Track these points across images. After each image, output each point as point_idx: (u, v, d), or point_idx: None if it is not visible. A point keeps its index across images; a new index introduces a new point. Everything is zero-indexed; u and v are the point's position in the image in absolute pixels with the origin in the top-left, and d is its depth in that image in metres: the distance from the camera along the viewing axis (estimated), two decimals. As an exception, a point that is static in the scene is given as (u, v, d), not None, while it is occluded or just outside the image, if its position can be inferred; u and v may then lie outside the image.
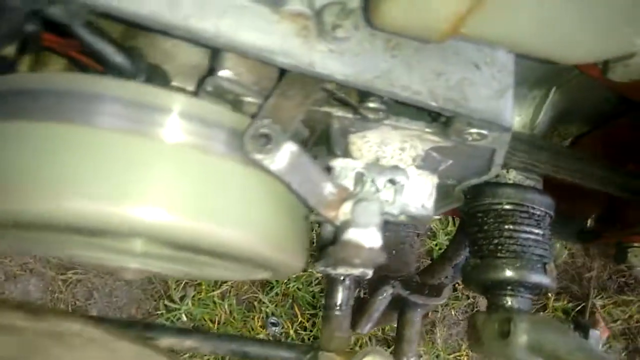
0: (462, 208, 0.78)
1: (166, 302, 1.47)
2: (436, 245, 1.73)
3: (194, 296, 1.48)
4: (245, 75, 0.51)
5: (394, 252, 1.13)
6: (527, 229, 0.70)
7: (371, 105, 0.54)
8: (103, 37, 0.49)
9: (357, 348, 1.44)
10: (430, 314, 1.67)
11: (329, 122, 0.59)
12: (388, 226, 1.18)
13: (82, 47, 0.50)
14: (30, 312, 0.52)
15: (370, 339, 1.52)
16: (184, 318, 1.44)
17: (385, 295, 0.91)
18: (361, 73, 0.49)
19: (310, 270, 1.59)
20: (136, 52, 0.52)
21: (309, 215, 0.55)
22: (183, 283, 1.50)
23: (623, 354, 1.70)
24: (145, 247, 0.52)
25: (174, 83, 0.56)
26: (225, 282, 1.52)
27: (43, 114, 0.46)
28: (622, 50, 0.38)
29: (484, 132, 0.56)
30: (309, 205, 0.52)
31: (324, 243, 0.58)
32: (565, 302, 1.81)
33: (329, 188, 0.53)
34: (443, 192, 0.78)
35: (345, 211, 0.52)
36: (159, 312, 1.49)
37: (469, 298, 1.73)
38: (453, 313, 1.69)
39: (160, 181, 0.46)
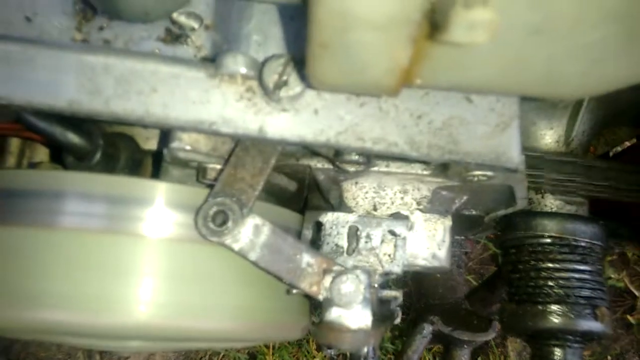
0: (496, 238, 0.68)
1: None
2: (501, 249, 1.59)
3: None
4: (202, 142, 0.46)
5: (439, 276, 1.03)
6: (570, 266, 0.59)
7: (347, 158, 0.47)
8: (50, 121, 0.46)
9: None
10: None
11: (312, 173, 0.53)
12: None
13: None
14: None
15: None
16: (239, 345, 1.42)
17: (424, 334, 0.82)
18: (321, 131, 0.42)
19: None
20: (94, 130, 0.49)
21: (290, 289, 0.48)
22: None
23: None
24: (137, 343, 0.49)
25: (147, 147, 0.53)
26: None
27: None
28: (625, 81, 0.29)
29: (488, 173, 0.47)
30: (285, 281, 0.46)
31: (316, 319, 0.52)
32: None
33: (306, 259, 0.46)
34: (470, 222, 0.69)
35: (326, 286, 0.45)
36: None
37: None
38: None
39: (137, 285, 0.43)
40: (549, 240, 0.60)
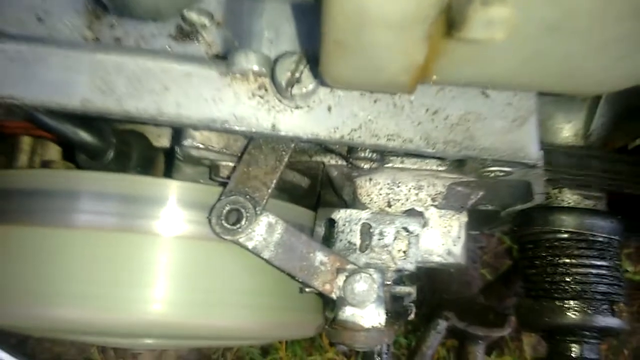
0: (512, 232, 0.68)
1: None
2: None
3: None
4: (214, 140, 0.46)
5: (452, 270, 1.03)
6: (588, 262, 0.58)
7: (361, 155, 0.46)
8: (61, 118, 0.46)
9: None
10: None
11: (326, 170, 0.52)
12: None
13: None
14: None
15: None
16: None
17: (438, 329, 0.82)
18: (335, 128, 0.41)
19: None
20: (103, 126, 0.49)
21: (303, 287, 0.48)
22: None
23: None
24: (150, 340, 0.49)
25: (158, 144, 0.53)
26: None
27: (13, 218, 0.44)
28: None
29: (506, 169, 0.46)
30: (298, 280, 0.46)
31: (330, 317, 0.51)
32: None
33: (319, 257, 0.46)
34: (486, 217, 0.68)
35: (339, 285, 0.45)
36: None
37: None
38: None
39: (151, 284, 0.43)
40: (566, 236, 0.59)
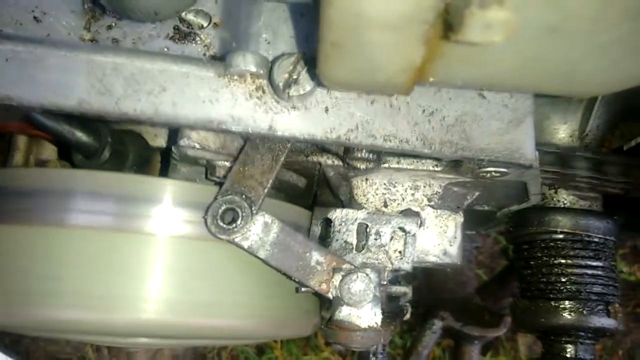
0: (507, 232, 0.68)
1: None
2: (511, 242, 1.58)
3: None
4: (211, 140, 0.46)
5: (448, 270, 1.03)
6: (583, 262, 0.58)
7: (358, 155, 0.46)
8: (55, 117, 0.46)
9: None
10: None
11: (322, 170, 0.53)
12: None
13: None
14: None
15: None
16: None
17: (434, 329, 0.82)
18: (332, 129, 0.41)
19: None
20: (102, 128, 0.49)
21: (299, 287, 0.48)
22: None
23: None
24: (146, 340, 0.49)
25: (155, 144, 0.53)
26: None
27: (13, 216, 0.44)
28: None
29: (502, 170, 0.46)
30: (295, 279, 0.46)
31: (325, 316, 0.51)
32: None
33: (315, 257, 0.46)
34: (482, 217, 0.68)
35: (336, 285, 0.45)
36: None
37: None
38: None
39: (147, 283, 0.43)
40: (561, 236, 0.59)
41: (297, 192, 0.56)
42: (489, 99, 0.43)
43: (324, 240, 0.53)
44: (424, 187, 0.54)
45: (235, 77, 0.40)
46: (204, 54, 0.40)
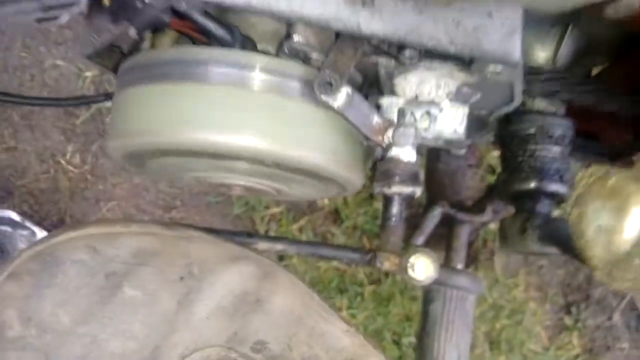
0: (496, 134, 0.94)
1: (253, 236, 1.73)
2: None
3: (276, 230, 1.73)
4: (311, 38, 0.70)
5: (446, 181, 1.29)
6: (547, 147, 0.84)
7: (407, 53, 0.71)
8: (209, 18, 0.69)
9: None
10: (488, 242, 1.82)
11: (376, 68, 0.77)
12: (441, 159, 1.35)
13: (195, 26, 0.71)
14: (164, 225, 0.74)
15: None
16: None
17: (435, 213, 1.08)
18: (397, 30, 0.65)
19: (375, 206, 1.79)
20: (232, 27, 0.72)
21: (364, 140, 0.73)
22: (267, 219, 1.76)
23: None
24: (247, 166, 0.73)
25: (260, 47, 0.76)
26: (303, 217, 1.76)
27: (177, 77, 0.67)
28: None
29: (499, 68, 0.71)
30: (362, 132, 0.71)
31: (375, 162, 0.77)
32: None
33: (376, 119, 0.71)
34: (481, 123, 0.94)
35: (388, 136, 0.70)
36: (247, 245, 1.75)
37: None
38: (511, 242, 1.83)
39: (254, 119, 0.67)
40: (533, 131, 0.85)
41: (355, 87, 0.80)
42: (494, 19, 0.68)
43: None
44: (444, 85, 0.79)
45: (339, -7, 0.64)
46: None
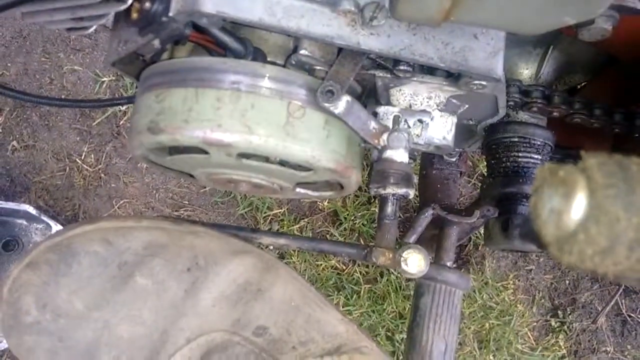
0: (483, 142, 1.02)
1: (256, 236, 1.82)
2: (487, 187, 1.94)
3: (278, 230, 1.82)
4: (316, 52, 0.78)
5: (438, 186, 1.37)
6: (528, 155, 0.93)
7: (402, 67, 0.79)
8: (225, 33, 0.78)
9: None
10: (480, 247, 1.90)
11: (374, 80, 0.85)
12: (434, 165, 1.43)
13: (212, 39, 0.79)
14: (172, 220, 0.81)
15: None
16: (271, 248, 1.78)
17: (427, 215, 1.16)
18: (392, 47, 0.74)
19: (372, 209, 1.87)
20: (245, 40, 0.81)
21: (361, 143, 0.82)
22: (269, 219, 1.84)
23: None
24: (255, 163, 0.81)
25: (270, 59, 0.85)
26: (303, 218, 1.84)
27: (196, 83, 0.76)
28: (561, 23, 0.60)
29: (483, 83, 0.79)
30: (360, 136, 0.79)
31: (371, 164, 0.85)
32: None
33: (373, 125, 0.79)
34: (469, 132, 1.02)
35: (384, 139, 0.79)
36: (250, 245, 1.84)
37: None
38: (502, 247, 1.91)
39: (263, 121, 0.75)
40: (517, 139, 0.94)
41: (355, 96, 0.89)
42: (479, 40, 0.76)
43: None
44: (435, 97, 0.87)
45: (341, 13, 0.72)
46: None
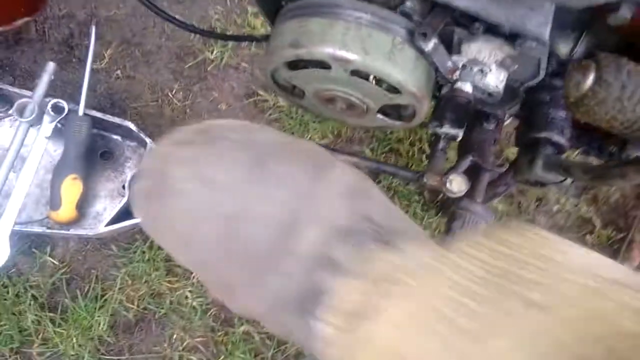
0: (521, 104, 1.31)
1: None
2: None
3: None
4: (417, 5, 1.08)
5: (476, 146, 1.67)
6: (556, 110, 1.22)
7: (476, 25, 1.09)
8: None
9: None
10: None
11: (451, 36, 1.15)
12: (475, 129, 1.71)
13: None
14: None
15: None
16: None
17: (467, 160, 1.45)
18: (474, 7, 1.04)
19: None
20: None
21: (439, 79, 1.11)
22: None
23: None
24: (350, 78, 1.11)
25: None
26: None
27: (321, 14, 1.06)
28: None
29: (533, 45, 1.09)
30: (440, 69, 1.09)
31: (441, 98, 1.15)
32: (610, 231, 2.25)
33: (450, 63, 1.09)
34: (512, 94, 1.32)
35: (457, 74, 1.09)
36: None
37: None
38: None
39: (364, 43, 1.05)
40: (549, 98, 1.23)
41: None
42: (535, 11, 1.06)
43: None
44: (494, 55, 1.17)
45: (442, -22, 1.02)
46: None
